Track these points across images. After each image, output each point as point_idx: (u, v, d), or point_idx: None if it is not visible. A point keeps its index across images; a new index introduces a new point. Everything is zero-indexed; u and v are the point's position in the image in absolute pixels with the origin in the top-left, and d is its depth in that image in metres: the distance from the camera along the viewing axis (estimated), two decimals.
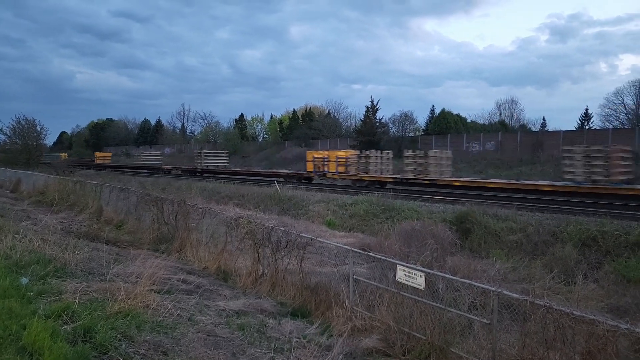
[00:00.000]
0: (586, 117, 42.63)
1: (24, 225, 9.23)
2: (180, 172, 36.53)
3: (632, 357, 3.54)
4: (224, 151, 39.75)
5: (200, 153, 36.57)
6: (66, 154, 66.97)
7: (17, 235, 7.59)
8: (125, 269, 6.55)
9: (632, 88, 37.56)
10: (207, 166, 34.89)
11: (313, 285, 6.55)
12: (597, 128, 37.97)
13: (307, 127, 51.85)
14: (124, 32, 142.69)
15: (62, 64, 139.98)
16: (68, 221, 11.37)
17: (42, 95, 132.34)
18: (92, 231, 10.35)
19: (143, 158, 47.26)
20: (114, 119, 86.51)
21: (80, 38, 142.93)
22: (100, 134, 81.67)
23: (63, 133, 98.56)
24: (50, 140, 76.82)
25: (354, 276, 6.02)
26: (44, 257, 6.48)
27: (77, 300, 4.84)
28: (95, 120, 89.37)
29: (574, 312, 3.79)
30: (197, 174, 34.55)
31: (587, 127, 40.30)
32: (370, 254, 6.27)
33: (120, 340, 4.02)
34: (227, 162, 37.66)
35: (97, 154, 59.30)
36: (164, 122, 78.24)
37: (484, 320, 4.53)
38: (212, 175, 32.47)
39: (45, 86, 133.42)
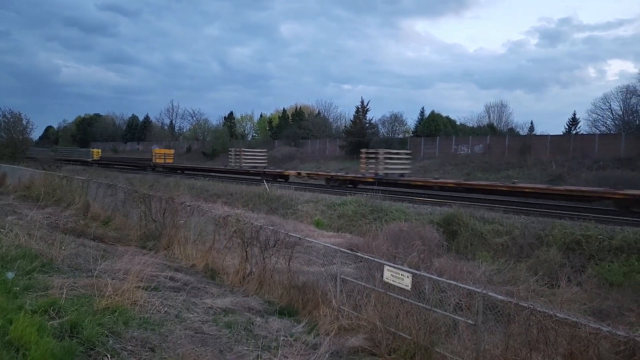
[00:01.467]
0: (573, 122, 43.31)
1: (10, 220, 9.10)
2: (323, 182, 24.25)
3: None
4: (404, 150, 26.94)
5: (375, 154, 23.19)
6: (99, 150, 51.86)
7: (2, 230, 7.49)
8: (113, 265, 6.52)
9: (619, 94, 38.03)
10: (386, 174, 22.36)
11: (300, 284, 6.60)
12: (585, 133, 38.56)
13: (297, 126, 51.83)
14: (111, 26, 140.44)
15: (49, 58, 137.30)
16: (54, 216, 11.21)
17: (28, 89, 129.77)
18: (79, 227, 10.24)
19: (245, 158, 31.24)
20: (101, 114, 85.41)
21: (67, 31, 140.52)
22: (88, 129, 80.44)
23: (49, 127, 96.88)
24: (36, 134, 75.17)
25: (342, 276, 6.07)
26: (30, 252, 6.41)
27: (63, 295, 4.81)
28: (83, 115, 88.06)
29: (557, 315, 3.87)
30: (368, 185, 21.26)
31: (574, 132, 40.96)
32: (358, 254, 6.33)
33: (107, 336, 4.02)
34: (409, 167, 24.80)
35: (157, 150, 41.35)
36: (152, 118, 77.53)
37: (469, 321, 4.62)
38: (404, 191, 20.56)
39: (31, 80, 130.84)
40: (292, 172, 27.97)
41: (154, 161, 38.27)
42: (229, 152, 34.05)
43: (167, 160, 38.67)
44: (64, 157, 48.64)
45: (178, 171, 34.85)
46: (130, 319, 4.53)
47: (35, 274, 5.60)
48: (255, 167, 30.78)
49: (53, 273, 5.81)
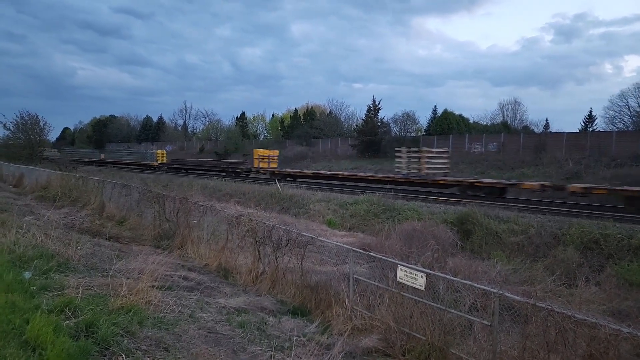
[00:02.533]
0: (590, 119, 42.36)
1: (27, 220, 9.27)
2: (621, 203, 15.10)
3: None
4: None
5: None
6: (164, 152, 40.73)
7: (20, 230, 7.63)
8: (127, 265, 6.58)
9: (636, 90, 37.20)
10: None
11: (313, 284, 6.57)
12: (601, 130, 37.73)
13: (308, 125, 51.87)
14: (124, 28, 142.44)
15: (64, 60, 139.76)
16: (70, 217, 11.39)
17: (44, 91, 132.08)
18: (95, 227, 10.38)
19: (429, 162, 21.18)
20: (116, 115, 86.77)
21: (82, 34, 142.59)
22: (103, 130, 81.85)
23: (66, 129, 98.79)
24: (53, 136, 76.54)
25: (354, 276, 6.03)
26: (47, 252, 6.50)
27: (79, 295, 4.87)
28: (98, 117, 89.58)
29: (576, 315, 3.79)
30: None
31: (590, 129, 40.08)
32: (371, 253, 6.28)
33: (122, 335, 4.04)
34: None
35: (260, 152, 30.96)
36: (165, 119, 78.45)
37: (485, 322, 4.53)
38: None
39: (47, 82, 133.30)
40: (534, 185, 16.96)
41: (256, 165, 29.57)
42: (397, 153, 22.92)
43: (272, 165, 29.36)
44: (117, 161, 41.35)
45: (288, 179, 25.97)
46: (145, 319, 4.56)
47: (52, 274, 5.68)
48: (435, 173, 20.79)
49: (69, 273, 5.89)
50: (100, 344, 3.80)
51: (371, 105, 44.48)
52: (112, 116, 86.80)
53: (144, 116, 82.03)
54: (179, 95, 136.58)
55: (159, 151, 39.83)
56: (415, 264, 5.62)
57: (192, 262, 8.09)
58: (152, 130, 76.11)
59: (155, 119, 79.17)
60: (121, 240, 9.50)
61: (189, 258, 8.40)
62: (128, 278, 5.69)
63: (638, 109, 37.17)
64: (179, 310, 5.13)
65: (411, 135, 43.66)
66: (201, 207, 9.56)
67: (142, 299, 5.00)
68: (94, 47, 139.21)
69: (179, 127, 76.98)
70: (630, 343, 3.51)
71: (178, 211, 9.79)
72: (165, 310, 4.99)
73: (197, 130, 75.55)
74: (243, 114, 68.87)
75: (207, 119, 72.59)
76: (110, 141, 78.16)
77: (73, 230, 9.44)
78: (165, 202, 10.37)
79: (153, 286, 5.49)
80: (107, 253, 7.36)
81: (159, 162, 37.77)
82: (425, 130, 47.91)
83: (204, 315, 5.23)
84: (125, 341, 3.96)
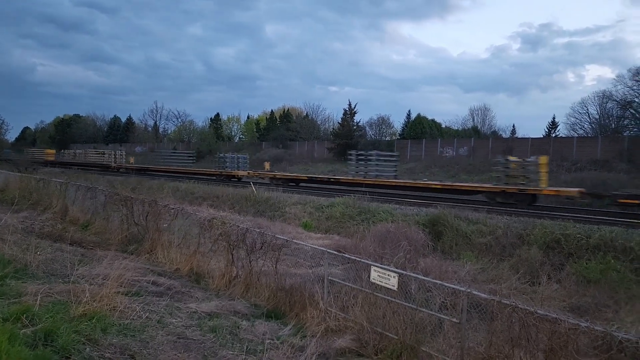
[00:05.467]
0: (553, 125, 44.41)
1: None
2: None
3: (591, 354, 3.69)
4: None
5: None
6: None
7: None
8: (91, 270, 6.32)
9: (596, 98, 39.45)
10: None
11: (288, 286, 6.52)
12: (563, 136, 39.64)
13: (284, 128, 51.68)
14: (88, 23, 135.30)
15: (23, 56, 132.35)
16: (30, 221, 10.85)
17: (2, 89, 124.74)
18: (56, 231, 9.93)
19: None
20: (81, 115, 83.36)
21: (42, 28, 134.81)
22: (67, 130, 78.43)
23: (26, 129, 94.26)
24: (12, 135, 72.63)
25: (329, 277, 6.03)
26: (2, 258, 6.18)
27: (38, 302, 4.63)
28: (61, 116, 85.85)
29: (538, 311, 3.95)
30: None
31: (553, 135, 41.96)
32: (345, 255, 6.29)
33: (84, 343, 3.87)
34: None
35: None
36: (135, 119, 76.09)
37: (454, 320, 4.63)
38: None
39: (5, 78, 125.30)
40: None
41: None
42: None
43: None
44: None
45: None
46: (109, 326, 4.39)
47: (8, 280, 5.38)
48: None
49: (27, 279, 5.60)
50: (60, 352, 3.63)
51: (347, 109, 44.87)
52: (77, 115, 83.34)
53: (112, 116, 79.30)
54: (148, 95, 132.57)
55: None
56: (388, 265, 5.67)
57: (162, 267, 7.86)
58: (121, 131, 73.75)
59: (123, 119, 76.71)
60: (85, 244, 9.12)
61: (159, 263, 8.16)
62: (91, 284, 5.48)
63: (597, 117, 39.24)
64: (147, 316, 4.96)
65: (386, 139, 44.31)
66: (172, 210, 9.31)
67: (107, 305, 4.82)
68: (55, 42, 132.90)
69: (150, 128, 74.91)
70: (588, 337, 3.68)
71: (147, 214, 9.50)
72: (131, 317, 4.82)
73: (169, 131, 73.77)
74: (217, 115, 67.88)
75: (179, 120, 71.02)
76: (74, 142, 75.15)
77: (32, 235, 8.99)
78: (133, 205, 10.04)
79: (119, 292, 5.30)
80: (69, 258, 7.05)
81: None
82: (400, 134, 48.75)
83: (174, 320, 5.08)
84: (88, 349, 3.79)
